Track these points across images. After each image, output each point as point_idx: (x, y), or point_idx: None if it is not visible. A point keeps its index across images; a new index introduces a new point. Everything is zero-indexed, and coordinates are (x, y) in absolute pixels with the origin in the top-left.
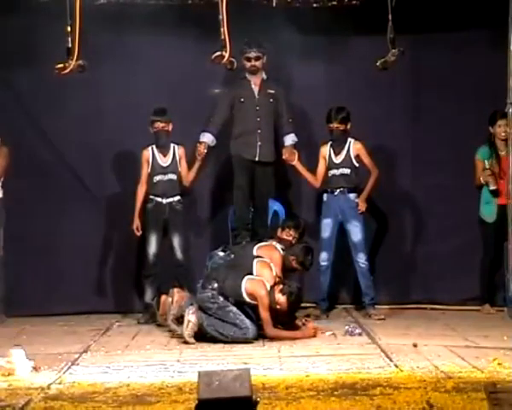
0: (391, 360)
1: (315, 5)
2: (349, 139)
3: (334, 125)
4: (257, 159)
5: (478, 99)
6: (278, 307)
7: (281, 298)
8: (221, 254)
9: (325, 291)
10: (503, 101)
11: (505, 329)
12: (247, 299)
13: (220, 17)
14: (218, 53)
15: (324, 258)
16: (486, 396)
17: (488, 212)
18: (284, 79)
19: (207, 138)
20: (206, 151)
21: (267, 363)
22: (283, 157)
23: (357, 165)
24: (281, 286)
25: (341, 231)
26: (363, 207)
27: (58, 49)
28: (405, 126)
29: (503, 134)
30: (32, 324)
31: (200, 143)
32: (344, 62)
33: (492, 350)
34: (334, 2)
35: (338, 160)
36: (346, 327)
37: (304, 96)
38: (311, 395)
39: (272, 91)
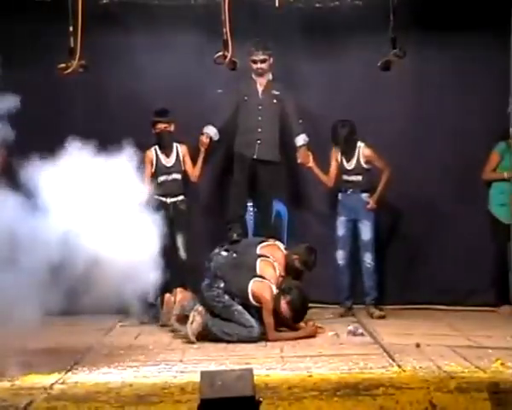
0: (393, 360)
1: (317, 5)
2: (358, 144)
3: (342, 142)
4: (255, 157)
5: (479, 99)
6: (281, 315)
7: (286, 309)
8: (224, 253)
9: (347, 289)
10: (504, 100)
11: (508, 329)
12: (253, 301)
13: (223, 17)
14: (221, 53)
15: (341, 256)
16: (489, 396)
17: (504, 214)
18: (286, 78)
19: (210, 130)
20: (208, 141)
21: (270, 363)
22: (298, 161)
23: (368, 168)
24: (288, 298)
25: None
26: (373, 204)
27: (60, 49)
28: (408, 126)
29: None
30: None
31: (203, 134)
32: (346, 62)
33: (495, 350)
34: (337, 2)
35: (349, 166)
36: (349, 327)
37: (305, 96)
38: (314, 395)
39: (277, 93)
